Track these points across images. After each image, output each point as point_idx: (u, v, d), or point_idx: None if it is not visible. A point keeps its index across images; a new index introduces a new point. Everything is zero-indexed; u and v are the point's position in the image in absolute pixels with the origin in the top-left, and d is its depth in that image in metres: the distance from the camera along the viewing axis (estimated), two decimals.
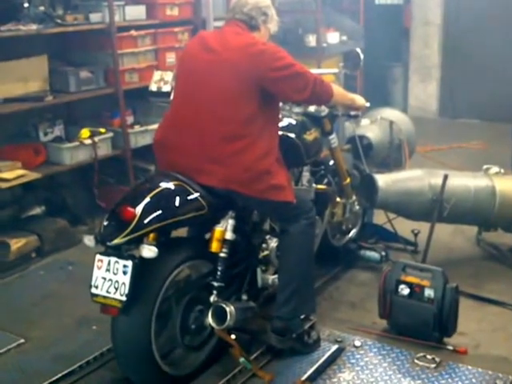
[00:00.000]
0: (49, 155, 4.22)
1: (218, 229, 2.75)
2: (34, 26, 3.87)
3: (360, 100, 3.19)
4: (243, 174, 2.68)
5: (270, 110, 2.78)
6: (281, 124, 3.15)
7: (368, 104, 3.27)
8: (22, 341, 3.12)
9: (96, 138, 4.30)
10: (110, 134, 4.44)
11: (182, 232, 2.94)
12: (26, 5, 3.89)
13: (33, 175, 3.94)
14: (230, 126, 2.67)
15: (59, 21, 4.03)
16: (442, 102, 7.76)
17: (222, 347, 2.83)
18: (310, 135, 3.23)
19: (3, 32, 3.77)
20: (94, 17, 4.22)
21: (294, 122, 3.24)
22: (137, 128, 4.63)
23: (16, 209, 4.17)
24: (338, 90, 2.95)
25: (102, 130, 4.39)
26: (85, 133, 4.29)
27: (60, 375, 2.81)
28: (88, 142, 4.27)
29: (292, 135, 3.13)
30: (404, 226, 4.02)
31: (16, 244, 3.86)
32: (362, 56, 3.27)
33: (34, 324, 3.30)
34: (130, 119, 4.72)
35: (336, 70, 3.71)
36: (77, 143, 4.25)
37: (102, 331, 3.02)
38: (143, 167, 4.66)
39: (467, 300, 3.37)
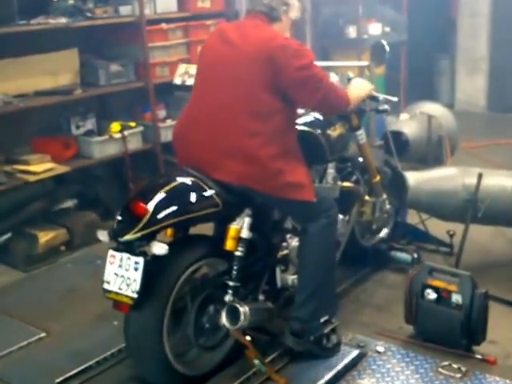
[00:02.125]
0: (79, 149, 4.24)
1: (233, 227, 2.67)
2: (63, 20, 3.88)
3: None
4: (260, 170, 2.59)
5: (287, 106, 2.66)
6: (305, 119, 3.05)
7: (395, 99, 3.12)
8: (44, 334, 3.14)
9: (126, 132, 4.29)
10: (140, 128, 4.43)
11: (207, 228, 2.88)
12: None
13: (62, 168, 3.96)
14: (246, 121, 2.58)
15: (88, 14, 4.02)
16: (491, 96, 7.43)
17: (239, 348, 2.75)
18: (335, 131, 3.11)
19: (33, 25, 3.80)
20: (124, 10, 4.21)
21: (319, 117, 3.12)
22: (168, 122, 4.60)
23: (47, 202, 4.18)
24: (355, 95, 2.83)
25: (132, 123, 4.38)
26: (115, 127, 4.29)
27: (76, 371, 2.79)
28: (118, 135, 4.26)
29: (315, 131, 3.02)
30: (439, 227, 3.84)
31: (44, 237, 3.89)
32: (387, 48, 3.11)
33: (57, 318, 3.30)
34: (162, 113, 4.70)
35: (366, 63, 3.57)
36: (106, 137, 4.25)
37: (123, 327, 2.99)
38: (173, 161, 4.62)
39: (501, 306, 3.20)
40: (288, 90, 2.61)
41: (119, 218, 2.50)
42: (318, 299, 2.76)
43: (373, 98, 3.16)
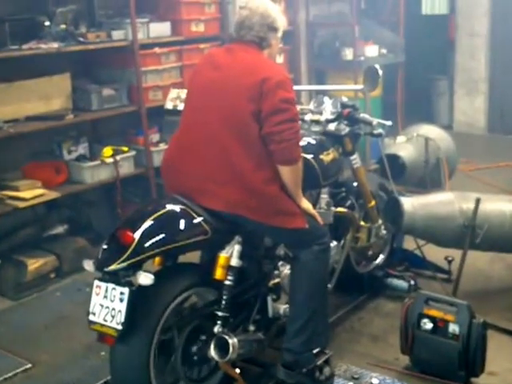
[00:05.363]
0: (70, 174, 4.18)
1: (223, 255, 2.60)
2: (55, 45, 3.84)
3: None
4: (250, 197, 2.52)
5: None
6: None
7: (389, 123, 3.06)
8: (29, 366, 3.07)
9: (118, 157, 4.24)
10: (133, 153, 4.38)
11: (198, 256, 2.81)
12: (47, 23, 3.86)
13: (52, 194, 3.90)
14: (235, 147, 2.52)
15: (81, 39, 3.99)
16: (491, 117, 7.37)
17: (229, 381, 2.67)
18: (328, 156, 3.04)
19: (24, 50, 3.76)
20: (117, 34, 4.17)
21: (312, 142, 3.06)
22: (161, 146, 4.55)
23: (37, 228, 4.13)
24: (298, 173, 2.61)
25: (125, 148, 4.33)
26: (107, 151, 4.24)
27: None
28: (109, 160, 4.20)
29: (308, 156, 2.95)
30: (437, 253, 3.75)
31: (33, 264, 3.82)
32: (380, 73, 3.06)
33: (44, 348, 3.24)
34: (155, 137, 4.66)
35: (361, 87, 3.52)
36: (98, 162, 4.19)
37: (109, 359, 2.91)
38: None
39: (501, 335, 3.11)
40: (264, 119, 2.51)
41: (105, 246, 2.44)
42: (310, 329, 2.68)
43: (366, 123, 3.12)
